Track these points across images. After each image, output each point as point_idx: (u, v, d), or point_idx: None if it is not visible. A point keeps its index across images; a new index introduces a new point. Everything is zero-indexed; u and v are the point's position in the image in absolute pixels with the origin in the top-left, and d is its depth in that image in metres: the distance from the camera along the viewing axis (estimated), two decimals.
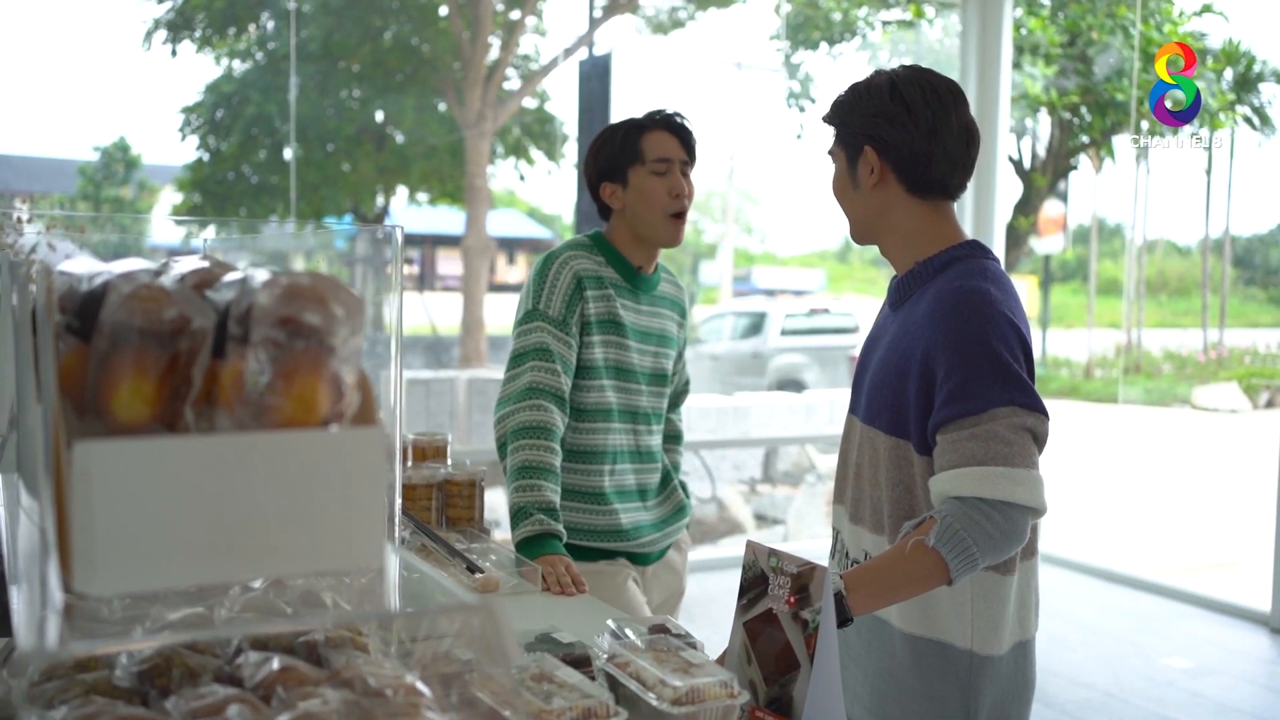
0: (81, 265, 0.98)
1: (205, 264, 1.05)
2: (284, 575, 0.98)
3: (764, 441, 5.82)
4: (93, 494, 0.75)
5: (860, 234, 1.89)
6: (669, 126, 2.43)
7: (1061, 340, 16.72)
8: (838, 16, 8.58)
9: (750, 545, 1.47)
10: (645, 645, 1.32)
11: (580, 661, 1.34)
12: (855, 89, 1.83)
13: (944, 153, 1.78)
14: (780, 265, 24.25)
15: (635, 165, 2.40)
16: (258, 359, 0.84)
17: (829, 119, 1.88)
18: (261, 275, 0.89)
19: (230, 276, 0.96)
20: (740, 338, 12.59)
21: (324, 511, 0.83)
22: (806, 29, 8.74)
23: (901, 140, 1.77)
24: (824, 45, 8.83)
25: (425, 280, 18.98)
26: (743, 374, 11.92)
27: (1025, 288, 17.63)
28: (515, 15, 11.28)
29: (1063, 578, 6.12)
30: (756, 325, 12.34)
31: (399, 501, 1.37)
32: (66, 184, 14.61)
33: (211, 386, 0.88)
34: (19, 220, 3.96)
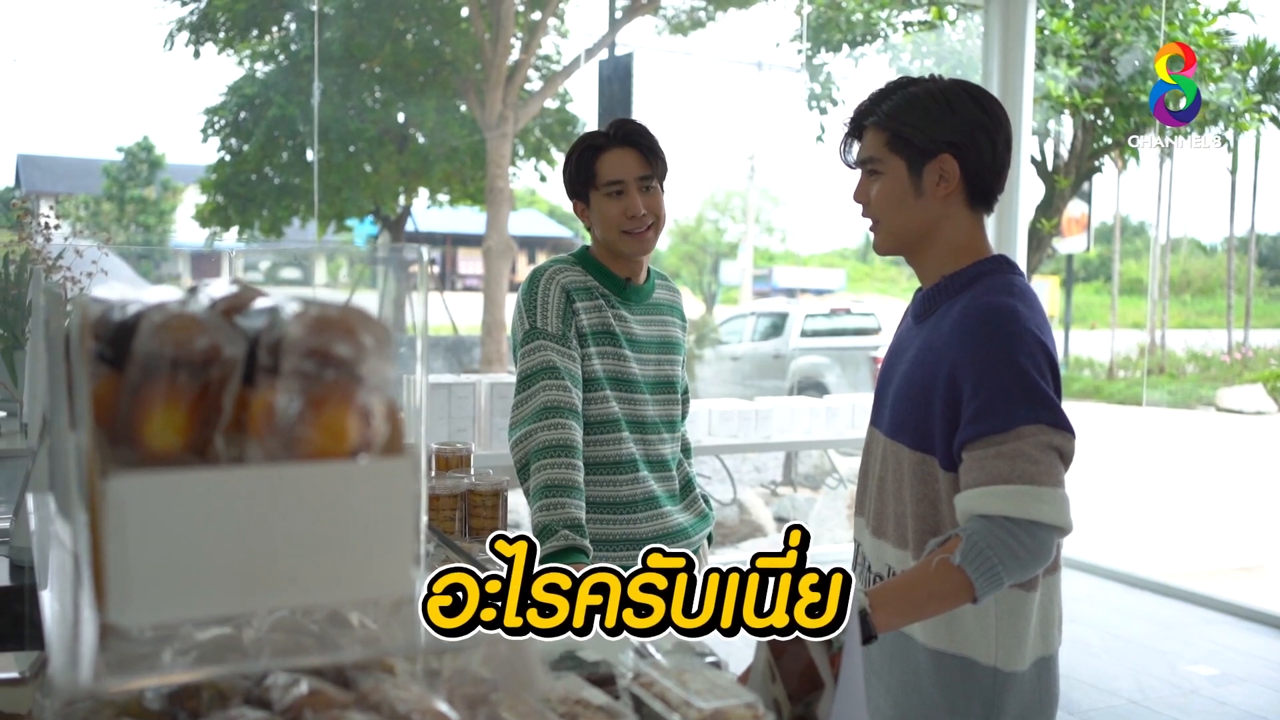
0: (114, 291, 0.99)
1: (234, 289, 1.06)
2: (313, 604, 0.99)
3: (785, 445, 5.80)
4: (127, 527, 0.76)
5: (899, 245, 1.85)
6: (626, 141, 2.38)
7: (1084, 341, 16.63)
8: (859, 18, 8.55)
9: None
10: (670, 665, 1.32)
11: (605, 680, 1.34)
12: (928, 93, 1.78)
13: (1008, 166, 1.80)
14: (801, 265, 24.24)
15: (592, 189, 2.39)
16: (288, 390, 0.85)
17: (886, 124, 1.81)
18: (292, 306, 0.90)
19: (261, 303, 0.97)
20: (761, 339, 12.57)
21: (353, 541, 0.84)
22: (828, 30, 8.71)
23: (986, 151, 1.76)
24: (845, 47, 8.81)
25: (446, 280, 19.06)
26: (764, 376, 11.90)
27: (1047, 287, 17.53)
28: (536, 16, 11.29)
29: (1086, 583, 6.09)
30: (778, 326, 12.32)
31: (424, 518, 1.38)
32: (92, 184, 14.73)
33: (242, 413, 0.89)
34: (46, 225, 3.98)
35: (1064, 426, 1.65)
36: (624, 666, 1.35)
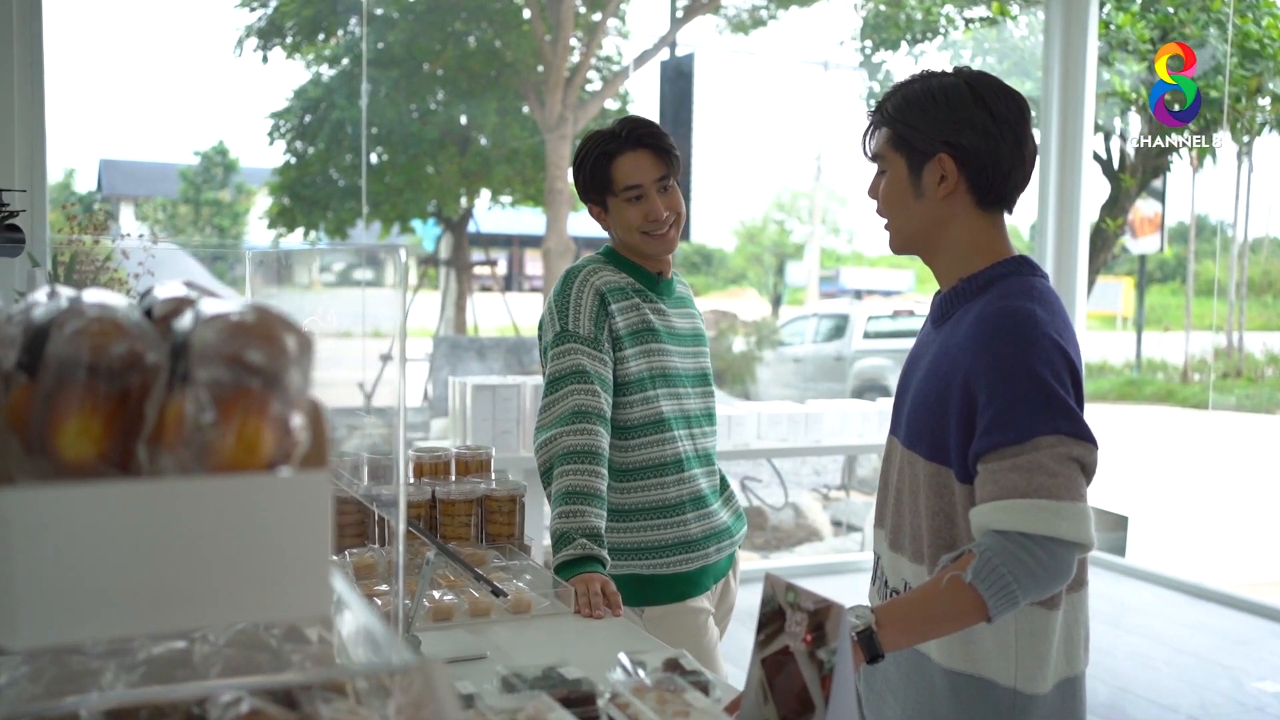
0: (48, 296, 0.96)
1: (182, 293, 1.02)
2: (222, 625, 0.95)
3: (835, 449, 5.70)
4: (13, 544, 0.72)
5: (907, 245, 1.80)
6: (639, 143, 2.33)
7: (1158, 343, 16.21)
8: (919, 16, 8.40)
9: (768, 579, 1.40)
10: (653, 684, 1.27)
11: (585, 699, 1.29)
12: (928, 90, 1.71)
13: (1022, 165, 1.71)
14: (868, 265, 23.95)
15: (609, 194, 2.35)
16: (198, 398, 0.81)
17: (889, 122, 1.75)
18: (212, 308, 0.86)
19: (197, 307, 0.93)
20: (823, 340, 12.44)
21: (265, 559, 0.79)
22: (887, 28, 8.57)
23: (985, 150, 1.68)
24: (904, 44, 8.66)
25: (512, 281, 19.12)
26: (825, 378, 11.77)
27: (1121, 289, 17.13)
28: (596, 17, 11.28)
29: (1148, 593, 5.91)
30: (840, 328, 12.18)
31: (401, 526, 1.34)
32: (169, 187, 15.04)
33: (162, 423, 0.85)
34: (95, 226, 4.01)
35: (1085, 437, 1.56)
36: (604, 686, 1.30)
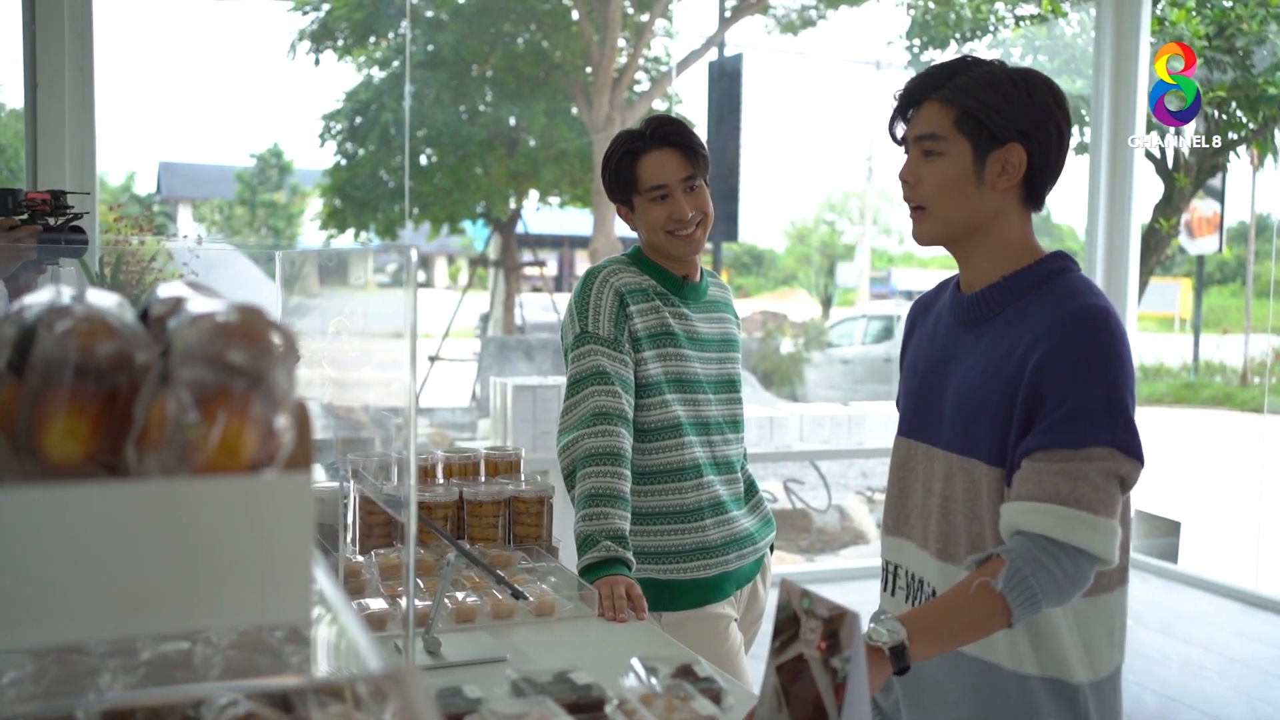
0: (39, 297, 0.96)
1: (181, 293, 1.02)
2: (203, 627, 0.94)
3: (880, 452, 5.64)
4: None
5: (946, 236, 1.72)
6: (665, 142, 2.31)
7: (1217, 346, 15.91)
8: (969, 14, 8.29)
9: (784, 584, 1.38)
10: (662, 691, 1.25)
11: (594, 705, 1.27)
12: (1007, 74, 1.65)
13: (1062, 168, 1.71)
14: (920, 266, 23.74)
15: (635, 193, 2.33)
16: (180, 399, 0.80)
17: (957, 98, 1.65)
18: (198, 308, 0.85)
19: (189, 307, 0.92)
20: (872, 342, 12.34)
21: (246, 561, 0.78)
22: (936, 26, 8.47)
23: (1055, 146, 1.66)
24: (953, 43, 8.55)
25: (562, 281, 19.17)
26: (874, 379, 11.67)
27: (1178, 290, 16.83)
28: (644, 18, 11.27)
29: (1200, 600, 5.79)
30: (888, 329, 12.08)
31: (412, 526, 1.33)
32: (226, 189, 15.25)
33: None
34: (141, 228, 4.06)
35: (1135, 455, 1.55)
36: (613, 692, 1.28)
